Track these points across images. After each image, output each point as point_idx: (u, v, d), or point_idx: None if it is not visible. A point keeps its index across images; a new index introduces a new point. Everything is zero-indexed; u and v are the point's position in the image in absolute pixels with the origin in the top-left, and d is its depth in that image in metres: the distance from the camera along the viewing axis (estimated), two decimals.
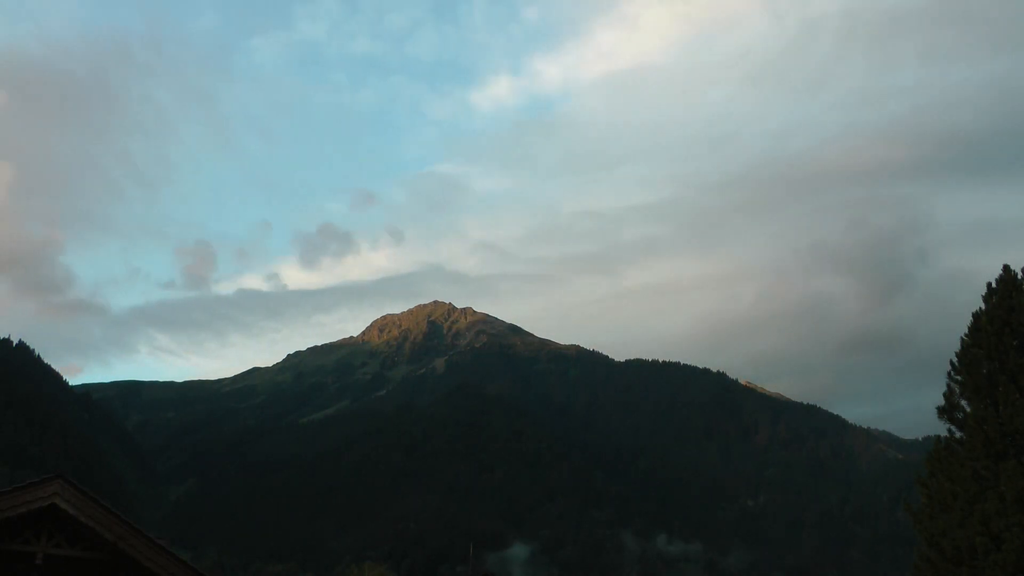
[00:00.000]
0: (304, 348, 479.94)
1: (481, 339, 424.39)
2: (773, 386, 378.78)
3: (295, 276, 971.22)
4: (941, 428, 26.26)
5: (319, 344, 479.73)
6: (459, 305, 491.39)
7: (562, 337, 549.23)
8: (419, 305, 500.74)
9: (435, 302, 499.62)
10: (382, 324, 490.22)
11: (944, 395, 26.13)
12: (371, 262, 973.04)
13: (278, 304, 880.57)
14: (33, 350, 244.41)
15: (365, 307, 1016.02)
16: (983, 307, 26.20)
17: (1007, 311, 25.19)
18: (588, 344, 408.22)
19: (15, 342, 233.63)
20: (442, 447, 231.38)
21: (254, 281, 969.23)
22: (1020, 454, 23.37)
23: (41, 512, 16.42)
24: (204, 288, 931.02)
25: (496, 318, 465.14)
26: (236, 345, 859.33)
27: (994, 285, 26.15)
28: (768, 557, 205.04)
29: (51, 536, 16.75)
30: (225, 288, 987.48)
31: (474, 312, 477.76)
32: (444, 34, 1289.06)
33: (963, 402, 25.69)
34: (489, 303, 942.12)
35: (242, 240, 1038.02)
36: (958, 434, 25.50)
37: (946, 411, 26.01)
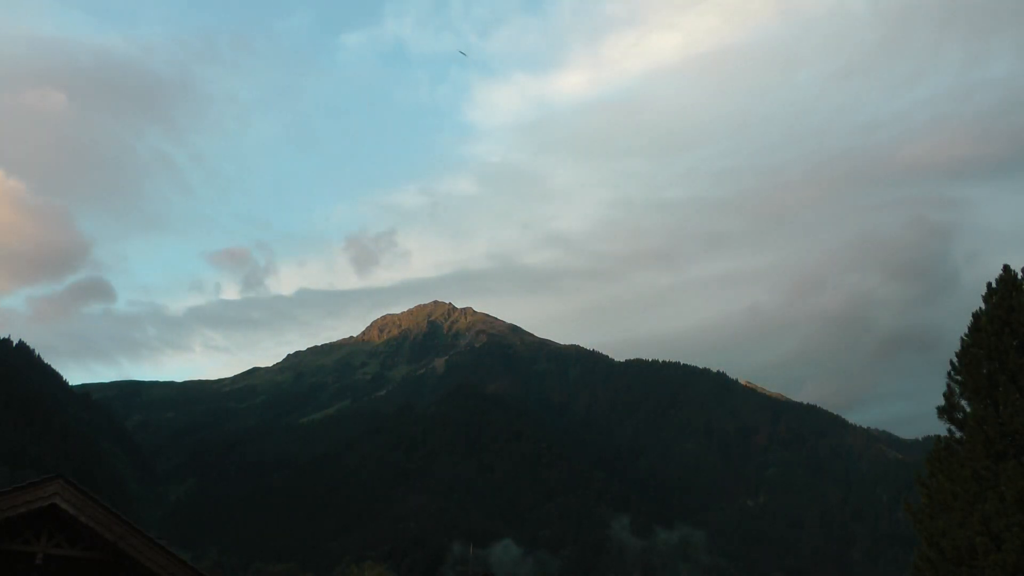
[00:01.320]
0: (304, 348, 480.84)
1: (481, 339, 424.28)
2: (772, 386, 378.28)
3: (364, 273, 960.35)
4: (941, 428, 26.28)
5: (319, 344, 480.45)
6: (468, 305, 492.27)
7: (562, 337, 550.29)
8: (419, 305, 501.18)
9: (435, 302, 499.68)
10: (382, 324, 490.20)
11: (944, 395, 26.16)
12: (439, 257, 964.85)
13: (339, 302, 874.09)
14: (33, 350, 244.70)
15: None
16: (983, 307, 26.20)
17: (1007, 311, 25.19)
18: (588, 344, 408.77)
19: (15, 342, 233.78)
20: (442, 447, 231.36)
21: (317, 279, 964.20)
22: (1020, 454, 23.37)
23: (41, 512, 16.43)
24: (261, 287, 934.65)
25: (496, 318, 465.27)
26: (292, 344, 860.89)
27: (994, 285, 26.14)
28: (768, 557, 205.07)
29: (51, 536, 16.75)
30: (285, 288, 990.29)
31: (474, 312, 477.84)
32: (526, 25, 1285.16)
33: (963, 402, 25.70)
34: (553, 297, 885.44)
35: (307, 237, 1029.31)
36: (958, 434, 25.51)
37: (946, 411, 26.02)
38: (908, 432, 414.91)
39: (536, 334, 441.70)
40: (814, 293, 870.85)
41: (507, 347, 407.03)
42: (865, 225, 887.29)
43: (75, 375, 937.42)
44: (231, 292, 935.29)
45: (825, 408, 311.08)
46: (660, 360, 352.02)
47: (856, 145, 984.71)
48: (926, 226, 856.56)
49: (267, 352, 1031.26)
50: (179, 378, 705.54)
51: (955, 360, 26.16)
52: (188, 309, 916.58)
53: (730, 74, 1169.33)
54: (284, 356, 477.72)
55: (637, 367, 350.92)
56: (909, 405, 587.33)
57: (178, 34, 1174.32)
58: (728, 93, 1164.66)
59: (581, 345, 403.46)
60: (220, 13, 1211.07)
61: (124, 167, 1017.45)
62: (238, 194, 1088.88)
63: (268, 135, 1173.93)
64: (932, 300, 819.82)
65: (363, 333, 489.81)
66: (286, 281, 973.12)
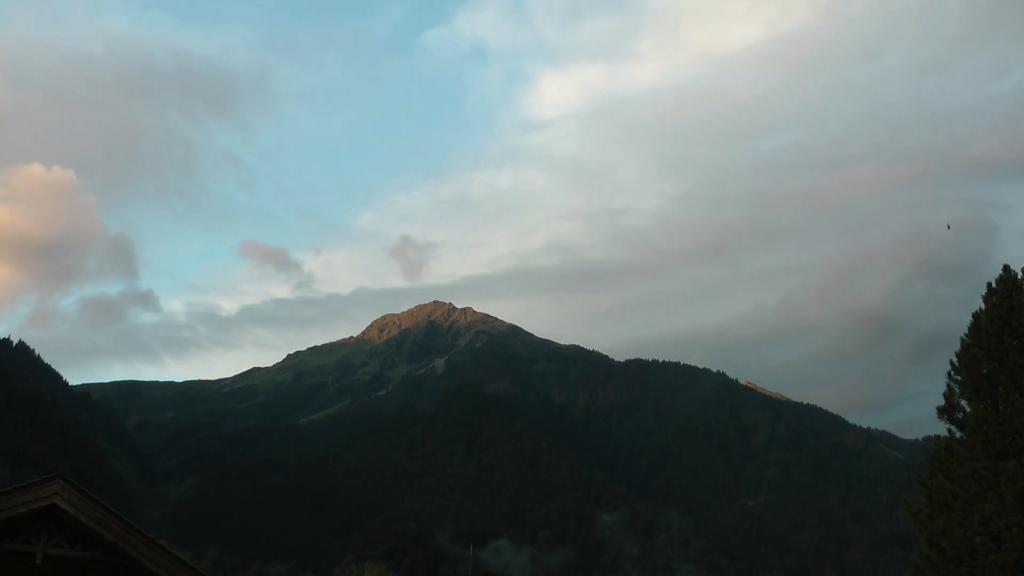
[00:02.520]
0: (304, 348, 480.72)
1: (481, 339, 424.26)
2: (771, 386, 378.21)
3: (422, 270, 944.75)
4: (941, 428, 26.27)
5: (319, 344, 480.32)
6: (463, 305, 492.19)
7: (562, 337, 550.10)
8: (419, 305, 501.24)
9: (435, 302, 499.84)
10: (382, 324, 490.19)
11: (944, 395, 26.12)
12: (497, 251, 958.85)
13: (396, 299, 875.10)
14: (33, 350, 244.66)
15: (484, 302, 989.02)
16: (983, 307, 26.18)
17: (1007, 311, 25.17)
18: (588, 344, 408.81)
19: (15, 342, 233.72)
20: (442, 447, 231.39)
21: (374, 277, 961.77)
22: (1020, 454, 23.37)
23: (41, 512, 16.43)
24: (316, 285, 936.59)
25: (496, 318, 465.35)
26: None
27: (994, 285, 26.12)
28: (768, 557, 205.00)
29: (51, 536, 16.76)
30: (343, 287, 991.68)
31: (474, 312, 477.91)
32: (603, 17, 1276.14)
33: (963, 402, 25.68)
34: (606, 295, 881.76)
35: (365, 234, 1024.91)
36: (958, 434, 25.49)
37: (946, 411, 26.00)
38: (908, 432, 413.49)
39: (536, 334, 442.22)
40: (852, 291, 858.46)
41: (507, 347, 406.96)
42: (917, 223, 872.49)
43: (76, 375, 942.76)
44: (284, 290, 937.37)
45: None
46: (660, 360, 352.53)
47: (927, 140, 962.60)
48: (981, 227, 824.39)
49: None
50: (179, 378, 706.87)
51: (955, 360, 26.16)
52: (242, 308, 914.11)
53: (808, 65, 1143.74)
54: (284, 356, 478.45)
55: (637, 367, 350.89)
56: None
57: (260, 32, 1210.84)
58: (805, 84, 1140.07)
59: (581, 345, 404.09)
60: (303, 11, 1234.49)
61: (190, 165, 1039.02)
62: (300, 191, 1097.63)
63: (336, 131, 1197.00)
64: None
65: (363, 333, 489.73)
66: (343, 279, 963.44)
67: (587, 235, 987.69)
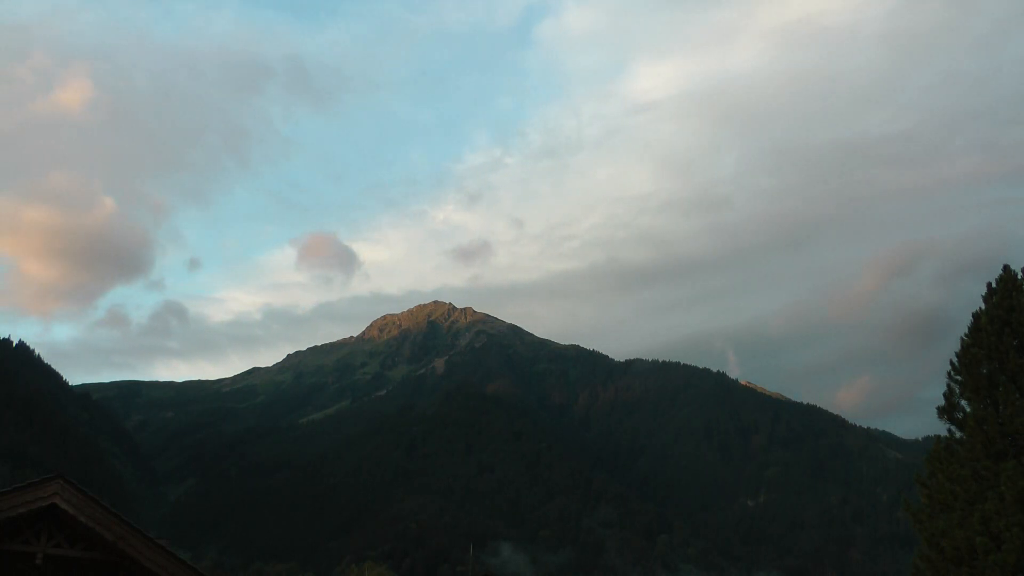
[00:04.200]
0: (304, 348, 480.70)
1: (481, 339, 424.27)
2: (774, 386, 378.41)
3: (510, 266, 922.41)
4: (941, 428, 26.26)
5: (319, 344, 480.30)
6: (458, 305, 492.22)
7: (562, 337, 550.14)
8: (419, 305, 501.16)
9: (435, 302, 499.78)
10: (382, 324, 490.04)
11: (944, 395, 26.11)
12: (590, 248, 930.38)
13: (488, 297, 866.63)
14: (33, 350, 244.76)
15: (556, 303, 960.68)
16: (983, 307, 26.18)
17: (1007, 311, 25.16)
18: (588, 344, 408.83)
19: (15, 342, 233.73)
20: (442, 447, 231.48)
21: (464, 271, 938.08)
22: (1020, 454, 23.36)
23: (41, 512, 16.43)
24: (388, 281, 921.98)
25: (496, 318, 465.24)
26: None
27: (994, 285, 26.12)
28: (768, 557, 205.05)
29: (51, 536, 16.76)
30: (424, 284, 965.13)
31: (474, 312, 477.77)
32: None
33: (963, 402, 25.67)
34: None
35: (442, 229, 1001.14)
36: (958, 434, 25.48)
37: (946, 411, 25.99)
38: (908, 432, 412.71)
39: (536, 334, 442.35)
40: (896, 288, 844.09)
41: (507, 347, 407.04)
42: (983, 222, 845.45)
43: (76, 375, 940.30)
44: (363, 287, 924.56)
45: (830, 410, 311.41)
46: (660, 360, 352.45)
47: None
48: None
49: None
50: (179, 378, 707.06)
51: (955, 360, 26.15)
52: (317, 305, 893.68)
53: (928, 50, 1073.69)
54: (284, 356, 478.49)
55: (637, 367, 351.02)
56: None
57: (365, 25, 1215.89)
58: (916, 72, 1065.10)
59: (581, 345, 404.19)
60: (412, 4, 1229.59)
61: (275, 161, 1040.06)
62: (378, 186, 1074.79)
63: (425, 124, 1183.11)
64: None
65: (363, 333, 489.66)
66: (430, 276, 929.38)
67: (681, 225, 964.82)
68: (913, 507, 25.78)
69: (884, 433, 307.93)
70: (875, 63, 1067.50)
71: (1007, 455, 23.39)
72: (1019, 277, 25.83)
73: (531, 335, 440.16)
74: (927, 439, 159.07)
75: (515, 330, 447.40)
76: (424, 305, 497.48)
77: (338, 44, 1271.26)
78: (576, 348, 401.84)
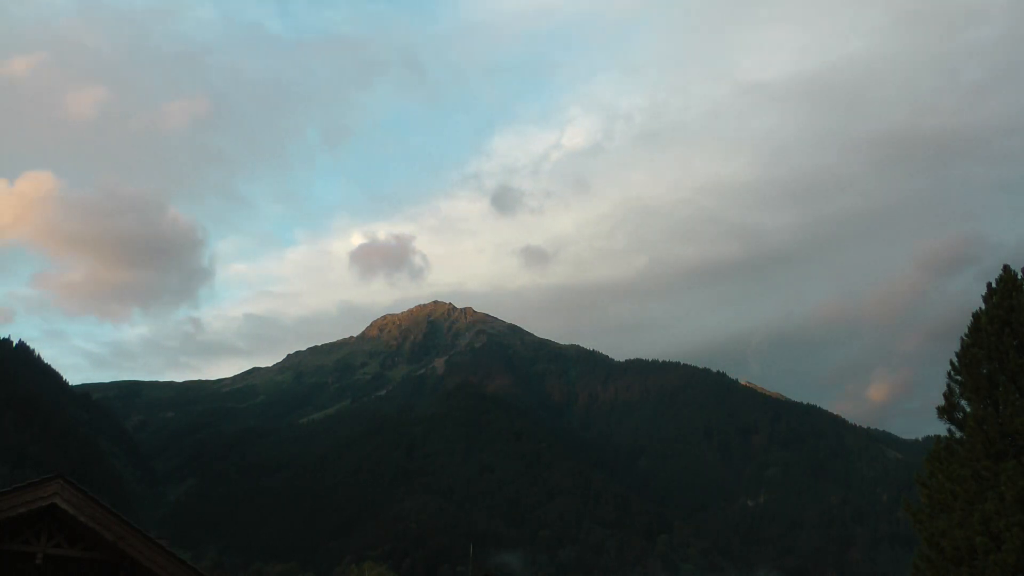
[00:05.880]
0: (304, 348, 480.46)
1: (481, 339, 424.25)
2: (772, 385, 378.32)
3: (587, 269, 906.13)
4: (941, 428, 26.26)
5: (319, 344, 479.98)
6: (458, 305, 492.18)
7: (562, 337, 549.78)
8: (419, 305, 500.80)
9: (435, 302, 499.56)
10: (382, 324, 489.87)
11: (944, 395, 26.10)
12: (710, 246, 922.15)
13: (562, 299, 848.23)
14: (33, 350, 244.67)
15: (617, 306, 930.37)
16: (983, 307, 26.17)
17: (1007, 311, 25.16)
18: (588, 344, 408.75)
19: (15, 342, 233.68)
20: (442, 447, 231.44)
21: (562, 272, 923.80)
22: (1020, 454, 23.35)
23: (41, 512, 16.43)
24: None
25: (496, 318, 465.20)
26: None
27: (994, 285, 26.11)
28: (768, 557, 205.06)
29: (51, 536, 16.75)
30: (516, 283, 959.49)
31: (474, 312, 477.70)
32: None
33: (963, 402, 25.67)
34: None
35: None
36: (958, 434, 25.48)
37: (946, 411, 25.99)
38: (907, 432, 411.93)
39: (536, 334, 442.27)
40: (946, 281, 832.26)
41: (507, 347, 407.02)
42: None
43: (75, 375, 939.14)
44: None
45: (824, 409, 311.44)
46: (660, 360, 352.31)
47: None
48: None
49: None
50: (179, 378, 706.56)
51: (955, 360, 26.15)
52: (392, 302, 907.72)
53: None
54: (284, 356, 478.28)
55: (637, 367, 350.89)
56: None
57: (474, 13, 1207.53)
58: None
59: (581, 345, 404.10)
60: None
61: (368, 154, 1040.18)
62: (475, 177, 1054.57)
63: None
64: None
65: (363, 333, 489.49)
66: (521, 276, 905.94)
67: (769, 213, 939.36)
68: (913, 507, 25.77)
69: (884, 433, 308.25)
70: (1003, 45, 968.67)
71: (1007, 455, 23.38)
72: (1019, 277, 25.83)
73: (531, 335, 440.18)
74: (927, 439, 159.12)
75: (515, 330, 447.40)
76: (424, 305, 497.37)
77: (450, 33, 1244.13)
78: (576, 348, 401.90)
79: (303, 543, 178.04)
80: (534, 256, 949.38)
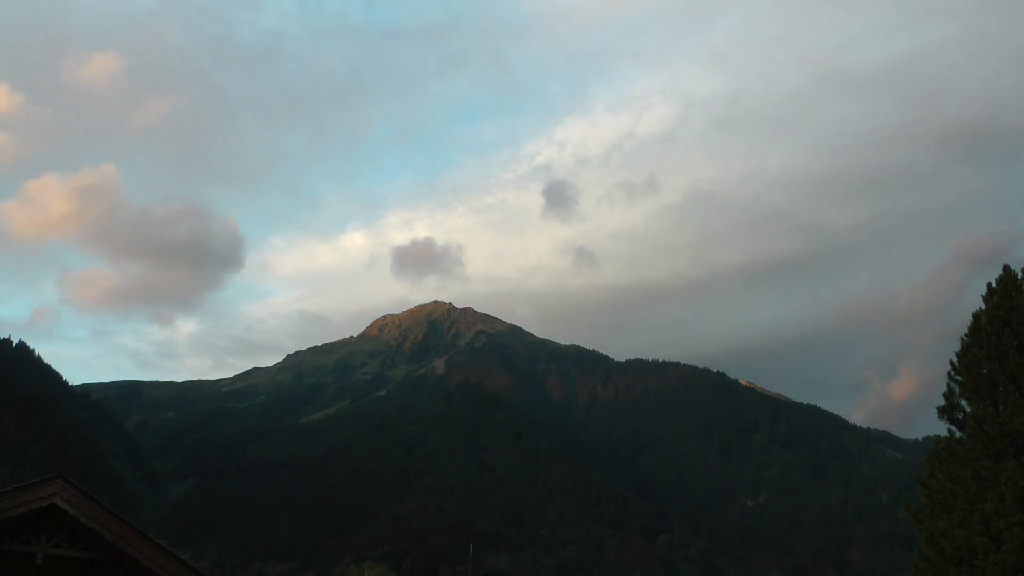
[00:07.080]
0: (304, 348, 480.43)
1: (481, 339, 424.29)
2: (772, 385, 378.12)
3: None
4: (941, 428, 26.26)
5: (319, 344, 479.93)
6: (458, 305, 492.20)
7: (562, 337, 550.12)
8: (419, 305, 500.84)
9: (435, 302, 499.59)
10: (382, 324, 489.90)
11: (944, 395, 26.10)
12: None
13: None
14: (33, 350, 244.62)
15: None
16: (983, 307, 26.17)
17: (1007, 311, 25.16)
18: (588, 344, 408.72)
19: (15, 342, 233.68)
20: (442, 447, 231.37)
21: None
22: (1020, 454, 23.35)
23: (41, 512, 16.43)
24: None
25: (496, 318, 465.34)
26: None
27: (994, 285, 26.11)
28: (768, 557, 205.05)
29: (51, 536, 16.75)
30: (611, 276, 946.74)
31: (474, 312, 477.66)
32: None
33: (963, 402, 25.67)
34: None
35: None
36: (958, 434, 25.48)
37: (946, 411, 25.99)
38: (907, 432, 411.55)
39: (536, 334, 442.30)
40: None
41: (507, 347, 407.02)
42: None
43: (75, 375, 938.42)
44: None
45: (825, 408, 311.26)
46: (660, 360, 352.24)
47: None
48: None
49: None
50: (179, 378, 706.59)
51: (955, 360, 26.14)
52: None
53: None
54: (284, 356, 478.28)
55: (637, 367, 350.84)
56: None
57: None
58: None
59: (581, 345, 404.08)
60: None
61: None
62: (544, 168, 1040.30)
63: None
64: None
65: (363, 333, 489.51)
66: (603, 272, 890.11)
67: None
68: (913, 507, 25.77)
69: (884, 433, 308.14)
70: None
71: (1007, 455, 23.38)
72: (1019, 277, 25.83)
73: (531, 335, 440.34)
74: (927, 439, 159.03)
75: (515, 330, 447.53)
76: (424, 305, 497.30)
77: (532, 23, 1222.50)
78: (576, 348, 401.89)
79: (303, 543, 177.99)
80: (584, 257, 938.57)
